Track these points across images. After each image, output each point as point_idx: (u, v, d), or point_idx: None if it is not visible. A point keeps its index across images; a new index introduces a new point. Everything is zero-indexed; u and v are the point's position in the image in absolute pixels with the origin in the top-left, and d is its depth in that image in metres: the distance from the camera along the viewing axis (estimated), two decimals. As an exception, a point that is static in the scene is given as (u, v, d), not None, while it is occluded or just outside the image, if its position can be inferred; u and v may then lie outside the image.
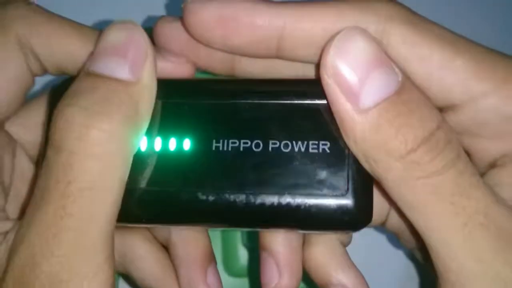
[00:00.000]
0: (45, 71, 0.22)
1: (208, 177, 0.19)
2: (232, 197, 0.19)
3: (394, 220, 0.23)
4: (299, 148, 0.19)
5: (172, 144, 0.20)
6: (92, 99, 0.17)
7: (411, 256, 0.35)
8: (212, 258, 0.23)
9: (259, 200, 0.19)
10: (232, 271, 0.33)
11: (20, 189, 0.22)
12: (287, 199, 0.18)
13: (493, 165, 0.19)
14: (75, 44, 0.21)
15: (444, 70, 0.17)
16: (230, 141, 0.19)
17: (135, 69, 0.18)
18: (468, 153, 0.19)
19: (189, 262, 0.23)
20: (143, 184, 0.19)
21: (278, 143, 0.19)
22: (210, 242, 0.24)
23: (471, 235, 0.16)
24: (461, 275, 0.17)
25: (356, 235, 0.23)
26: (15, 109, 0.22)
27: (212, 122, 0.19)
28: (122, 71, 0.18)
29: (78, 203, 0.17)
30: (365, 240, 0.34)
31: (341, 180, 0.18)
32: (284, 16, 0.18)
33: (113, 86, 0.18)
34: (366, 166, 0.17)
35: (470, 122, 0.18)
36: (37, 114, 0.22)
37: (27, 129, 0.22)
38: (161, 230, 0.24)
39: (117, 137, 0.17)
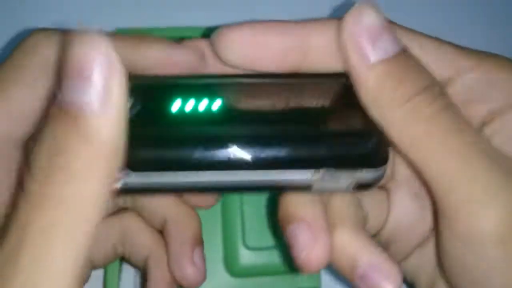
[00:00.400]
0: None
1: (232, 129, 0.21)
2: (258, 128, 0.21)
3: (389, 230, 0.25)
4: (321, 105, 0.21)
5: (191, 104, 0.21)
6: (54, 144, 0.15)
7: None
8: (200, 242, 0.26)
9: (285, 138, 0.20)
10: (233, 271, 0.33)
11: None
12: (312, 136, 0.21)
13: (483, 125, 0.22)
14: None
15: (436, 55, 0.22)
16: (253, 103, 0.21)
17: (107, 98, 0.15)
18: None
19: (180, 241, 0.25)
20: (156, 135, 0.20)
21: (298, 102, 0.21)
22: (200, 226, 0.26)
23: (467, 160, 0.19)
24: (460, 203, 0.19)
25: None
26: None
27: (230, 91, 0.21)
28: (92, 103, 0.15)
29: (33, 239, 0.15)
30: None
31: (358, 122, 0.21)
32: (302, 34, 0.21)
33: (80, 125, 0.15)
34: (375, 113, 0.20)
35: (461, 91, 0.22)
36: None
37: None
38: (156, 214, 0.26)
39: (76, 204, 0.16)
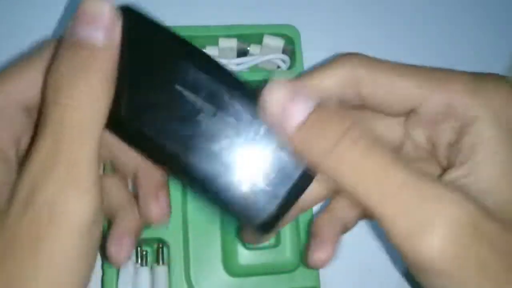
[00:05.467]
0: None
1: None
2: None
3: None
4: None
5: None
6: (73, 67, 0.21)
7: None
8: (166, 187, 0.27)
9: None
10: (231, 271, 0.33)
11: None
12: None
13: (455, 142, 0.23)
14: None
15: (391, 91, 0.23)
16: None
17: (110, 36, 0.22)
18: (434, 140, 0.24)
19: (148, 185, 0.26)
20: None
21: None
22: (166, 177, 0.27)
23: (400, 201, 0.20)
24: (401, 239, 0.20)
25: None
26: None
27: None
28: (99, 38, 0.21)
29: (69, 135, 0.21)
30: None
31: None
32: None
33: (91, 53, 0.21)
34: (309, 162, 0.22)
35: (425, 117, 0.24)
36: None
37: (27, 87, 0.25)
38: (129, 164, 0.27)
39: (94, 95, 0.21)
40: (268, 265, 0.33)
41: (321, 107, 0.21)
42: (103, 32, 0.22)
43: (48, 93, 0.22)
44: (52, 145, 0.21)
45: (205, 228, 0.34)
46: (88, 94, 0.21)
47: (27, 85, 0.24)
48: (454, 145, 0.23)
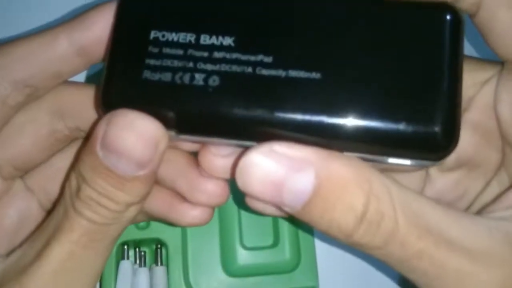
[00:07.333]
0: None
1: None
2: None
3: None
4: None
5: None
6: (97, 190, 0.18)
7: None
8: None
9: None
10: (230, 271, 0.33)
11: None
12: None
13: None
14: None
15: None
16: None
17: (144, 167, 0.18)
18: None
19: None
20: None
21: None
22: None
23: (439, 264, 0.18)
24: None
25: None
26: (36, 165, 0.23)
27: None
28: (132, 171, 0.18)
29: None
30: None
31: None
32: None
33: (119, 182, 0.18)
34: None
35: (483, 110, 0.21)
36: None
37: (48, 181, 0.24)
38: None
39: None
40: (267, 265, 0.33)
41: (323, 182, 0.17)
42: (136, 167, 0.18)
43: (66, 193, 0.19)
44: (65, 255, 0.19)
45: (204, 229, 0.33)
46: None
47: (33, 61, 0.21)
48: None
